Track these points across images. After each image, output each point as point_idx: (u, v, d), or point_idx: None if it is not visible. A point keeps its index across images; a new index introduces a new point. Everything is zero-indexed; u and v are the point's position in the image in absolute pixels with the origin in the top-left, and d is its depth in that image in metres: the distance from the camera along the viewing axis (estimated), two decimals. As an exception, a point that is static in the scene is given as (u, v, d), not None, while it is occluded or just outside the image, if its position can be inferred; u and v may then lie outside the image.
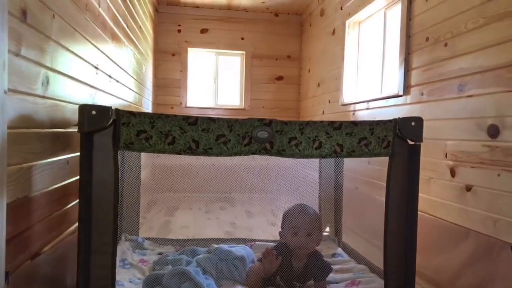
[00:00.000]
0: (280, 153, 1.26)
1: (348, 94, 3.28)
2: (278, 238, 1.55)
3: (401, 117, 1.32)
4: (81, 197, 1.17)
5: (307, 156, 1.27)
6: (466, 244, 1.69)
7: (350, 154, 1.29)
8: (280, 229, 1.51)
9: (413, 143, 1.32)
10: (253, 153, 1.25)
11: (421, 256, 1.33)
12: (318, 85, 4.10)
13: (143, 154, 1.90)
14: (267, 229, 2.76)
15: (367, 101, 2.82)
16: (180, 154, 1.22)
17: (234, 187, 2.11)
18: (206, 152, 1.22)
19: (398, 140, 1.31)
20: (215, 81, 4.98)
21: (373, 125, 1.29)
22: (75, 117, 1.49)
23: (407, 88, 2.26)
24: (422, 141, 1.32)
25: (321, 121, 1.27)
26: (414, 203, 1.33)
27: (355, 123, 1.29)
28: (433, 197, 1.94)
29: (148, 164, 2.35)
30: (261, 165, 1.72)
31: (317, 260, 1.46)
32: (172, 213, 3.48)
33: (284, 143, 1.25)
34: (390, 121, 1.31)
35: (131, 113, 1.18)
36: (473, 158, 1.69)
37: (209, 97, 5.00)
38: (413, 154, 1.32)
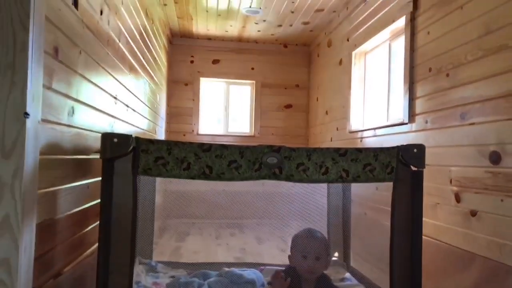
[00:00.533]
0: (289, 178, 1.33)
1: (355, 121, 3.36)
2: (287, 263, 1.60)
3: (403, 144, 1.39)
4: (102, 220, 1.25)
5: (314, 181, 1.34)
6: (472, 269, 1.72)
7: (355, 180, 1.36)
8: (289, 253, 1.56)
9: (416, 169, 1.39)
10: (263, 178, 1.32)
11: (428, 280, 1.38)
12: (326, 112, 4.19)
13: (157, 180, 1.98)
14: (276, 255, 2.79)
15: (374, 129, 2.89)
16: (194, 179, 1.29)
17: (244, 213, 2.15)
18: (219, 177, 1.30)
19: (401, 166, 1.38)
20: (226, 109, 5.11)
21: (377, 152, 1.36)
22: (95, 144, 1.59)
23: (412, 116, 2.33)
24: (424, 167, 1.38)
25: (328, 148, 1.35)
26: (418, 227, 1.38)
27: (359, 150, 1.36)
28: (439, 222, 1.98)
29: (159, 190, 2.42)
30: (271, 191, 1.78)
31: (326, 283, 1.50)
32: (183, 238, 3.53)
33: (292, 168, 1.32)
34: (393, 148, 1.38)
35: (150, 141, 1.27)
36: (477, 184, 1.74)
37: (220, 124, 5.12)
38: (416, 180, 1.38)
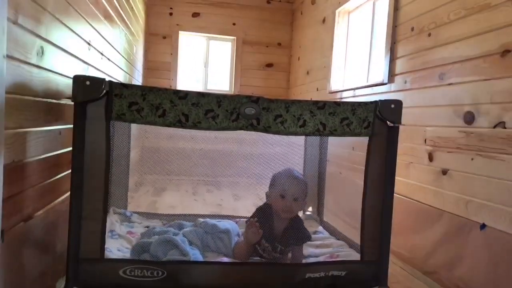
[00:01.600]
0: (266, 129, 1.32)
1: (336, 82, 3.35)
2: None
3: (381, 99, 1.39)
4: (74, 164, 1.22)
5: (291, 133, 1.34)
6: (440, 225, 1.78)
7: (332, 133, 1.36)
8: (267, 191, 1.56)
9: (392, 124, 1.40)
10: (240, 129, 1.31)
11: (398, 237, 1.42)
12: (307, 73, 4.16)
13: (132, 136, 1.95)
14: (252, 210, 2.82)
15: (354, 89, 2.89)
16: (169, 126, 1.27)
17: (221, 172, 2.16)
18: (195, 126, 1.28)
19: (378, 121, 1.39)
20: (206, 65, 5.01)
21: (355, 106, 1.36)
22: (67, 90, 1.54)
23: (391, 76, 2.33)
24: (400, 123, 1.39)
25: (306, 101, 1.34)
26: (391, 182, 1.41)
27: (337, 104, 1.35)
28: (412, 181, 2.03)
29: (136, 145, 2.39)
30: (248, 151, 1.78)
31: (298, 225, 1.53)
32: (159, 193, 3.53)
33: (270, 120, 1.31)
34: (371, 102, 1.38)
35: (124, 85, 1.23)
36: (450, 143, 1.77)
37: (199, 82, 5.03)
38: (392, 135, 1.40)
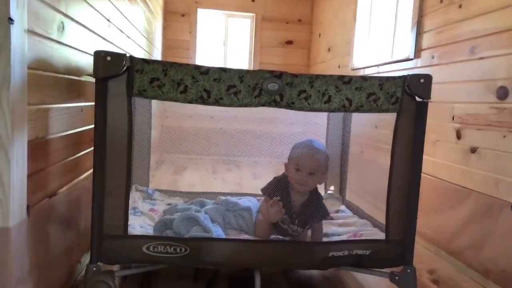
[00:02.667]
0: (290, 105, 1.28)
1: (358, 58, 3.26)
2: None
3: (410, 73, 1.33)
4: (96, 141, 1.22)
5: (316, 110, 1.30)
6: (467, 205, 1.73)
7: (358, 109, 1.32)
8: (286, 161, 1.53)
9: (421, 100, 1.34)
10: (263, 105, 1.28)
11: (423, 216, 1.38)
12: (329, 49, 4.07)
13: (153, 112, 1.94)
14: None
15: (377, 65, 2.81)
16: (191, 103, 1.25)
17: (240, 151, 2.15)
18: (217, 102, 1.25)
19: (406, 97, 1.33)
20: (225, 43, 4.95)
21: (382, 81, 1.31)
22: (88, 67, 1.52)
23: (418, 51, 2.25)
24: (430, 98, 1.34)
25: (331, 75, 1.29)
26: (419, 159, 1.36)
27: (364, 78, 1.30)
28: (438, 160, 1.97)
29: (157, 124, 2.39)
30: (268, 130, 1.75)
31: (316, 200, 1.49)
32: (180, 172, 3.55)
33: (293, 95, 1.27)
34: (399, 77, 1.32)
35: (145, 61, 1.21)
36: (480, 120, 1.70)
37: (217, 60, 4.99)
38: (421, 111, 1.34)
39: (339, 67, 3.69)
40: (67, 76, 1.35)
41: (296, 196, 1.47)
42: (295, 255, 1.36)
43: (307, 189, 1.46)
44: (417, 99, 1.34)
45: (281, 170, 1.96)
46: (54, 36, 1.21)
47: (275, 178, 1.53)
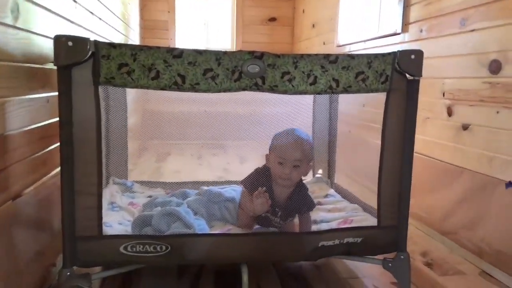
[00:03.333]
0: (272, 88, 1.19)
1: (344, 34, 3.16)
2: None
3: (400, 50, 1.25)
4: (62, 136, 1.11)
5: (301, 92, 1.20)
6: (459, 183, 1.67)
7: (346, 90, 1.23)
8: (267, 153, 1.44)
9: (412, 78, 1.26)
10: (243, 89, 1.18)
11: (414, 196, 1.31)
12: (313, 26, 3.95)
13: (130, 99, 1.83)
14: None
15: (364, 41, 2.71)
16: (164, 89, 1.14)
17: (225, 134, 2.08)
18: (193, 88, 1.15)
19: (396, 75, 1.25)
20: (205, 23, 4.79)
21: (371, 58, 1.22)
22: (52, 53, 1.40)
23: (405, 25, 2.15)
24: (421, 76, 1.26)
25: (316, 54, 1.20)
26: (411, 141, 1.29)
27: (352, 56, 1.21)
28: (429, 137, 1.91)
29: (137, 109, 2.28)
30: (253, 112, 1.66)
31: (301, 192, 1.41)
32: (163, 159, 3.44)
33: (276, 78, 1.18)
34: (389, 54, 1.23)
35: (111, 45, 1.09)
36: (471, 96, 1.63)
37: (199, 41, 4.82)
38: (412, 90, 1.26)
39: (324, 43, 3.58)
40: (27, 65, 1.23)
41: (279, 189, 1.39)
42: (283, 247, 1.28)
43: (290, 183, 1.38)
44: (408, 77, 1.26)
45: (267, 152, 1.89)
46: (8, 20, 1.09)
47: (256, 170, 1.44)
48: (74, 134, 1.11)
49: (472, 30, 1.64)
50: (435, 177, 1.79)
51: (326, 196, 1.82)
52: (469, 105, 1.65)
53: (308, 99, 1.92)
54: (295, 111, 1.63)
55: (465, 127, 1.67)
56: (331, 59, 1.20)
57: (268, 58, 1.16)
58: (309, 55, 1.19)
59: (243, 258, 1.28)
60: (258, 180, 1.37)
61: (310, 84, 1.20)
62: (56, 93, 1.31)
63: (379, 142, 1.29)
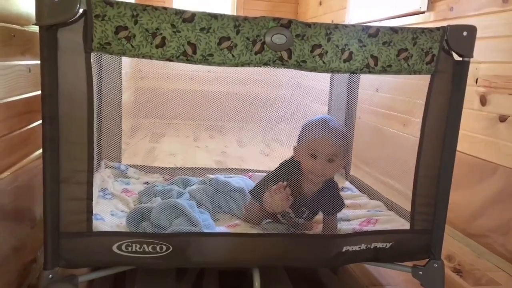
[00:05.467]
0: (300, 64, 0.99)
1: (356, 12, 2.94)
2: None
3: (451, 24, 1.06)
4: (44, 111, 0.92)
5: (333, 70, 1.01)
6: (492, 181, 1.51)
7: (385, 69, 1.04)
8: (295, 144, 1.25)
9: (460, 59, 1.08)
10: (265, 64, 0.98)
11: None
12: (320, 3, 3.72)
13: (125, 73, 1.64)
14: (260, 160, 2.56)
15: (380, 20, 2.51)
16: (171, 60, 0.94)
17: (224, 116, 1.93)
18: (206, 60, 0.95)
19: (443, 55, 1.06)
20: (205, -3, 4.53)
21: (416, 34, 1.03)
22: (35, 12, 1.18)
23: (432, 2, 1.95)
24: (472, 57, 1.07)
25: (354, 25, 1.00)
26: (454, 134, 1.11)
27: (395, 30, 1.02)
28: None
29: (130, 86, 2.09)
30: (255, 93, 1.50)
31: (333, 190, 1.24)
32: (157, 139, 3.24)
33: (305, 51, 0.98)
34: (437, 29, 1.05)
35: (107, 2, 0.89)
36: (512, 83, 1.45)
37: (198, 6, 4.56)
38: (460, 73, 1.08)
39: (332, 22, 3.37)
40: (3, 25, 1.01)
41: (308, 185, 1.20)
42: (302, 251, 1.11)
43: (324, 179, 1.19)
44: (455, 57, 1.08)
45: (269, 136, 1.70)
46: (-22, -34, 0.88)
47: (282, 164, 1.24)
48: (60, 109, 0.92)
49: (518, 9, 1.45)
50: (463, 173, 1.62)
51: (342, 189, 1.64)
52: (508, 93, 1.47)
53: (324, 81, 1.74)
54: (300, 94, 1.45)
55: (502, 119, 1.49)
56: (371, 32, 1.01)
57: (296, 27, 0.97)
58: (345, 26, 1.00)
59: (255, 262, 1.10)
60: (287, 174, 1.18)
61: (344, 61, 1.01)
62: (38, 61, 1.10)
63: (399, 132, 1.11)
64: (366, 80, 2.25)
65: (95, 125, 1.45)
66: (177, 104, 1.76)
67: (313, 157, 1.15)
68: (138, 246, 1.02)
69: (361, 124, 2.56)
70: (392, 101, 2.18)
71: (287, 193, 1.11)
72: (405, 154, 1.29)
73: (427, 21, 2.00)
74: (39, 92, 1.17)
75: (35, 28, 1.16)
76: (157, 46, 0.92)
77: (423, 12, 2.02)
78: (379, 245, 1.13)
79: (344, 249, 1.11)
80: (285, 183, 1.12)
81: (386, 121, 2.23)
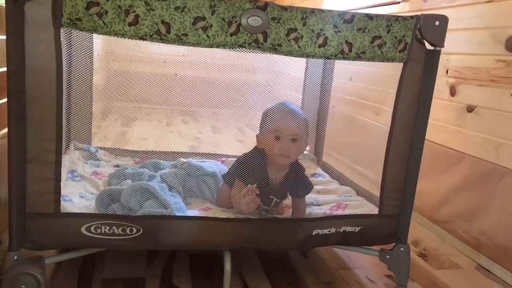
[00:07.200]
0: (275, 48, 0.99)
1: (333, 1, 2.95)
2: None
3: (424, 13, 1.07)
4: (10, 88, 0.89)
5: (307, 55, 1.02)
6: (459, 170, 1.56)
7: (359, 56, 1.05)
8: (257, 133, 1.26)
9: (432, 48, 1.10)
10: (241, 46, 0.98)
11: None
12: (297, -8, 3.71)
13: (97, 54, 1.59)
14: (234, 146, 2.55)
15: (356, 9, 2.52)
16: (144, 39, 0.93)
17: (198, 101, 1.91)
18: (180, 40, 0.94)
19: (416, 43, 1.08)
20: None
21: (391, 21, 1.05)
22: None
23: (406, -7, 1.98)
24: (443, 46, 1.09)
25: (330, 10, 1.00)
26: (424, 122, 1.14)
27: (370, 16, 1.03)
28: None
29: (102, 68, 2.04)
30: (229, 78, 1.50)
31: (299, 173, 1.25)
32: (129, 123, 3.17)
33: (281, 35, 0.98)
34: (411, 17, 1.06)
35: (78, -24, 0.86)
36: (482, 75, 1.49)
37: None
38: (431, 62, 1.10)
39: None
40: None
41: (274, 172, 1.21)
42: (272, 235, 1.12)
43: (290, 160, 1.19)
44: (427, 46, 1.10)
45: (244, 122, 1.69)
46: None
47: (246, 155, 1.24)
48: (27, 87, 0.90)
49: (490, 1, 1.48)
50: (431, 161, 1.67)
51: (314, 175, 1.66)
52: (477, 85, 1.52)
53: (299, 68, 1.75)
54: (274, 80, 1.46)
55: (470, 109, 1.54)
56: (346, 18, 1.01)
57: (273, 10, 0.96)
58: (321, 11, 1.00)
59: (226, 245, 1.10)
60: (251, 165, 1.18)
61: (319, 46, 1.01)
62: (4, 37, 1.06)
63: (372, 121, 1.14)
64: (341, 69, 2.28)
65: (64, 105, 1.42)
66: (150, 87, 1.74)
67: (277, 138, 1.16)
68: (108, 228, 1.00)
69: (335, 112, 2.59)
70: (365, 90, 2.21)
71: (254, 196, 1.11)
72: (376, 142, 1.31)
73: (402, 11, 2.02)
74: (4, 69, 1.14)
75: (2, 2, 1.11)
76: (130, 24, 0.90)
77: (399, 2, 2.04)
78: (348, 229, 1.15)
79: (314, 232, 1.12)
80: (254, 185, 1.12)
81: (359, 110, 2.26)
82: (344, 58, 1.04)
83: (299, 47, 1.00)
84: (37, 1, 0.86)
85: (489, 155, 1.44)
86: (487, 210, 1.41)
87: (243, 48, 0.98)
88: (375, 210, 1.23)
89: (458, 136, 1.58)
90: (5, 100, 1.16)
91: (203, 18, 0.93)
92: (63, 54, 0.92)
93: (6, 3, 0.84)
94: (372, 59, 1.06)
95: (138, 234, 1.02)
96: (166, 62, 1.80)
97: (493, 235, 1.37)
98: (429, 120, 1.56)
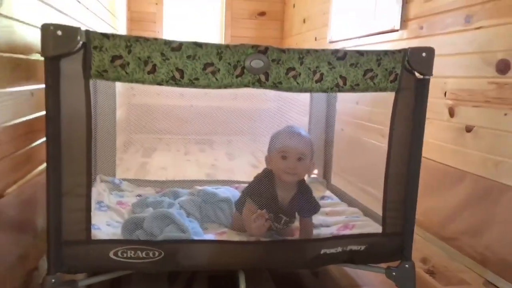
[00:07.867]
0: (276, 85, 1.11)
1: (337, 30, 3.09)
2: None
3: (411, 46, 1.18)
4: (48, 132, 1.02)
5: (306, 90, 1.14)
6: (462, 188, 1.63)
7: (353, 88, 1.16)
8: (266, 154, 1.37)
9: (421, 77, 1.20)
10: (246, 86, 1.10)
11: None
12: (304, 21, 3.87)
13: (118, 91, 1.74)
14: (248, 171, 2.67)
15: (359, 37, 2.65)
16: (162, 84, 1.06)
17: (213, 129, 2.02)
18: (192, 83, 1.07)
19: (406, 73, 1.19)
20: (194, 16, 4.67)
21: (380, 55, 1.16)
22: (38, 43, 1.30)
23: (404, 21, 2.10)
24: (432, 75, 1.20)
25: (324, 50, 1.13)
26: (419, 143, 1.23)
27: (361, 53, 1.14)
28: (428, 139, 1.86)
29: (123, 103, 2.18)
30: (242, 107, 1.61)
31: (306, 193, 1.35)
32: (149, 154, 3.34)
33: (281, 74, 1.10)
34: (399, 51, 1.17)
35: (104, 35, 1.00)
36: (477, 96, 1.58)
37: (186, 34, 4.70)
38: (421, 90, 1.20)
39: (315, 39, 3.52)
40: (10, 55, 1.12)
41: (283, 191, 1.32)
42: (283, 255, 1.22)
43: (296, 178, 1.31)
44: (417, 75, 1.20)
45: (255, 149, 1.78)
46: (-11, 5, 0.99)
47: (255, 177, 1.37)
48: (62, 130, 1.03)
49: (478, 28, 1.59)
50: (434, 180, 1.75)
51: (323, 197, 1.75)
52: (473, 106, 1.61)
53: (305, 94, 1.86)
54: (285, 106, 1.57)
55: (468, 129, 1.63)
56: (339, 55, 1.13)
57: (272, 53, 1.09)
58: (315, 51, 1.12)
59: (240, 266, 1.20)
60: (261, 185, 1.30)
61: (316, 82, 1.13)
62: (41, 86, 1.21)
63: (378, 143, 1.24)
64: (347, 94, 2.39)
65: (93, 143, 1.57)
66: (168, 119, 1.86)
67: (284, 158, 1.27)
68: (133, 252, 1.11)
69: (343, 135, 2.68)
70: (371, 114, 2.31)
71: (264, 220, 1.22)
72: (381, 162, 1.40)
73: (401, 38, 2.14)
74: (40, 114, 1.29)
75: (37, 56, 1.28)
76: (148, 72, 1.03)
77: (397, 30, 2.16)
78: (354, 247, 1.24)
79: (322, 251, 1.21)
80: (264, 211, 1.22)
81: (366, 132, 2.36)
82: (339, 91, 1.16)
83: (297, 83, 1.12)
84: (70, 58, 1.00)
85: (488, 172, 1.51)
86: (490, 226, 1.47)
87: (248, 87, 1.10)
88: (379, 230, 1.31)
89: (459, 155, 1.66)
90: (40, 141, 1.31)
91: (212, 64, 1.06)
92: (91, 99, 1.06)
93: (45, 61, 0.99)
94: (365, 90, 1.17)
95: (160, 257, 1.13)
96: (183, 95, 1.93)
97: (498, 250, 1.43)
98: (431, 140, 1.67)
